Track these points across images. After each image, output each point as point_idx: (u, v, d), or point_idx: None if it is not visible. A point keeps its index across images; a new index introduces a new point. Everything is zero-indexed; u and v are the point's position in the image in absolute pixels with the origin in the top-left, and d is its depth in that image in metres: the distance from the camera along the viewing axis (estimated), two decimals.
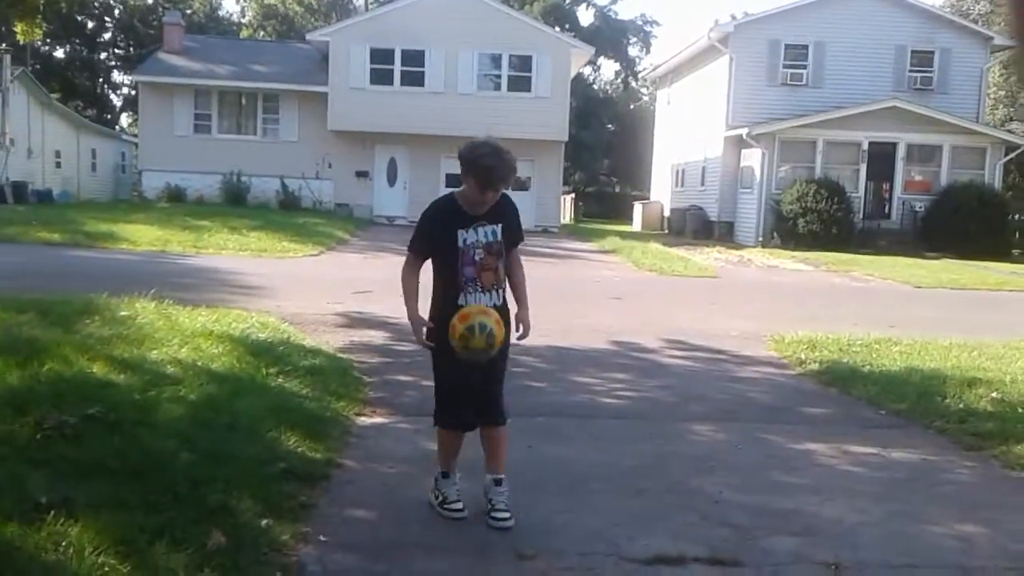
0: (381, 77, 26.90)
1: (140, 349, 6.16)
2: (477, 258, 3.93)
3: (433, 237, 3.98)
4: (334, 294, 11.00)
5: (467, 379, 3.97)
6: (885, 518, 4.31)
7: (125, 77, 50.33)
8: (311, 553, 3.57)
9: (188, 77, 27.86)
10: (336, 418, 5.48)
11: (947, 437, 5.84)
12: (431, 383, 4.23)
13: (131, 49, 48.54)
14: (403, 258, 4.14)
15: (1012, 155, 26.05)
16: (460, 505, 4.07)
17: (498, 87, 27.50)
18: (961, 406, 6.42)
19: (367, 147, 27.67)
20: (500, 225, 4.00)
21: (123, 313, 7.41)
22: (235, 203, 26.36)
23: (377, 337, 8.38)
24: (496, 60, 27.37)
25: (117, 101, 53.85)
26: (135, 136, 35.64)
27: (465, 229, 3.93)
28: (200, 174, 27.23)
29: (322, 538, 3.71)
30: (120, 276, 10.96)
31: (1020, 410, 6.31)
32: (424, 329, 4.03)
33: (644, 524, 4.08)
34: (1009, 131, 30.47)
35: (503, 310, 4.04)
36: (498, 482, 4.07)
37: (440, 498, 4.11)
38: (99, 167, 35.22)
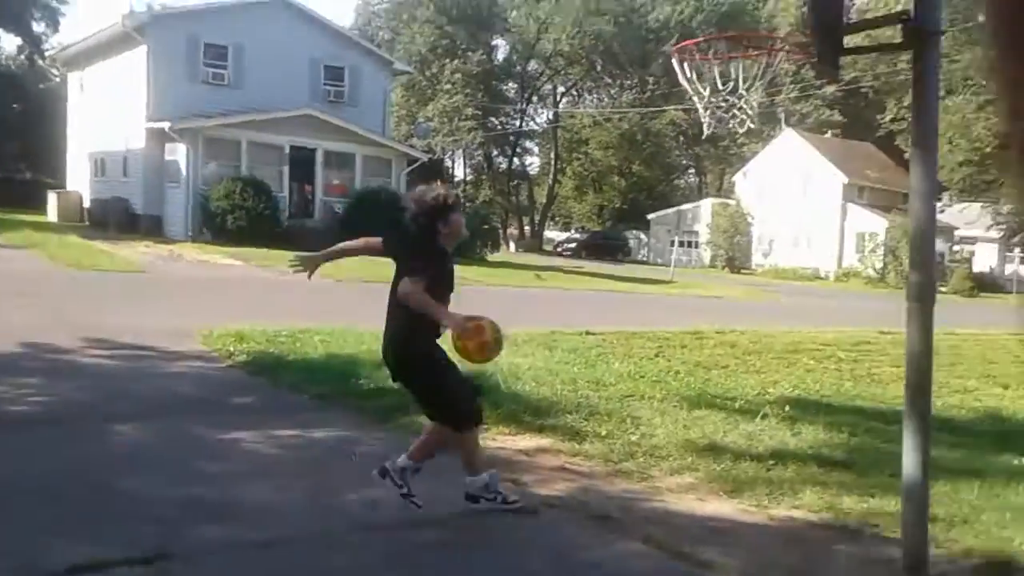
0: None
1: None
2: (452, 284, 4.46)
3: (438, 267, 4.32)
4: None
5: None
6: (306, 492, 4.66)
7: None
8: None
9: None
10: None
11: (362, 414, 6.49)
12: None
13: None
14: None
15: (413, 166, 29.54)
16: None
17: None
18: (372, 386, 7.17)
19: None
20: None
21: None
22: None
23: None
24: None
25: None
26: None
27: (451, 261, 4.53)
28: None
29: None
30: None
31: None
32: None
33: (63, 532, 3.83)
34: (410, 146, 34.54)
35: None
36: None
37: (500, 497, 4.42)
38: None
